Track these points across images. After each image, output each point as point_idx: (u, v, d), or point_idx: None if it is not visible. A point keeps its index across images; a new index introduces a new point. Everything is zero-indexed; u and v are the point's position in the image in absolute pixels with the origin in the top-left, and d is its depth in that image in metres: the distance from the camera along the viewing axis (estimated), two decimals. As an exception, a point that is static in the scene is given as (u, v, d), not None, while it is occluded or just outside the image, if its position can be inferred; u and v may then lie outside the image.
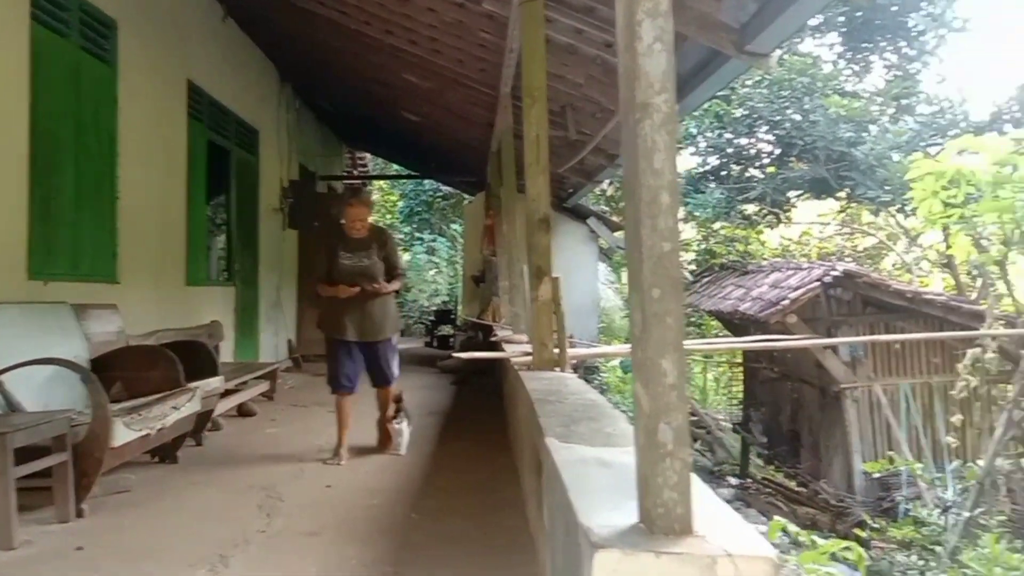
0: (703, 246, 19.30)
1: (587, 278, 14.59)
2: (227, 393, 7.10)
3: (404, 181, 24.26)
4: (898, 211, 15.74)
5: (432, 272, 23.63)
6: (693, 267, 18.75)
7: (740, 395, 16.62)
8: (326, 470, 5.80)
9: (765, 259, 17.98)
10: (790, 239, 21.29)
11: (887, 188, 13.98)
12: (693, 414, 15.91)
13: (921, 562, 8.23)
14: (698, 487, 1.92)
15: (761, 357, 13.96)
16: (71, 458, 4.32)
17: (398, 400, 6.52)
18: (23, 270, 5.49)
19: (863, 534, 9.12)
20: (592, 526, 1.75)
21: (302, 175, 13.48)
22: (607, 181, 13.95)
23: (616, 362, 15.43)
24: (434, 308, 21.29)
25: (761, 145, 16.95)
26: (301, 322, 13.03)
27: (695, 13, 4.82)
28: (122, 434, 4.55)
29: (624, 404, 12.04)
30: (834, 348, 11.33)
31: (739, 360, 16.46)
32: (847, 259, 18.20)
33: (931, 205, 7.99)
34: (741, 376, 16.61)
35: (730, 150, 17.12)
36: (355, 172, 19.86)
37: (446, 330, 17.71)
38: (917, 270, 18.37)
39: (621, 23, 1.76)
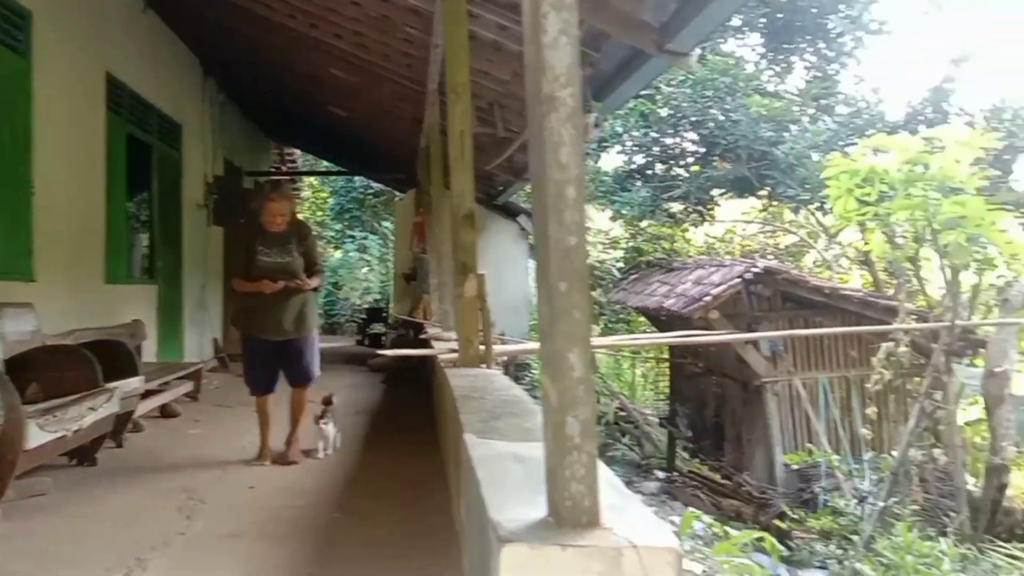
0: (631, 244, 19.51)
1: (518, 275, 14.61)
2: (148, 394, 6.98)
3: (335, 178, 24.05)
4: (817, 209, 16.09)
5: (364, 270, 23.47)
6: (621, 264, 18.93)
7: (667, 390, 16.81)
8: (249, 471, 5.72)
9: (690, 256, 18.24)
10: (715, 237, 21.62)
11: (806, 187, 14.28)
12: (622, 409, 16.06)
13: (840, 551, 8.44)
14: (608, 479, 1.93)
15: (686, 353, 14.15)
16: (-16, 461, 4.18)
17: (327, 402, 6.41)
18: (-68, 268, 5.31)
19: (783, 525, 9.33)
20: (501, 520, 1.75)
21: (228, 171, 13.26)
22: (536, 179, 13.96)
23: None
24: (366, 306, 21.18)
25: (686, 144, 17.18)
26: (227, 321, 12.74)
27: (617, 11, 4.86)
28: (36, 436, 4.46)
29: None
30: (755, 343, 11.52)
31: (666, 356, 16.65)
32: (769, 256, 18.53)
33: (846, 203, 8.21)
34: (668, 372, 16.80)
35: (656, 149, 17.29)
36: (284, 168, 19.63)
37: (378, 328, 17.62)
38: (837, 267, 18.80)
39: (527, 16, 1.76)
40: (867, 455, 9.97)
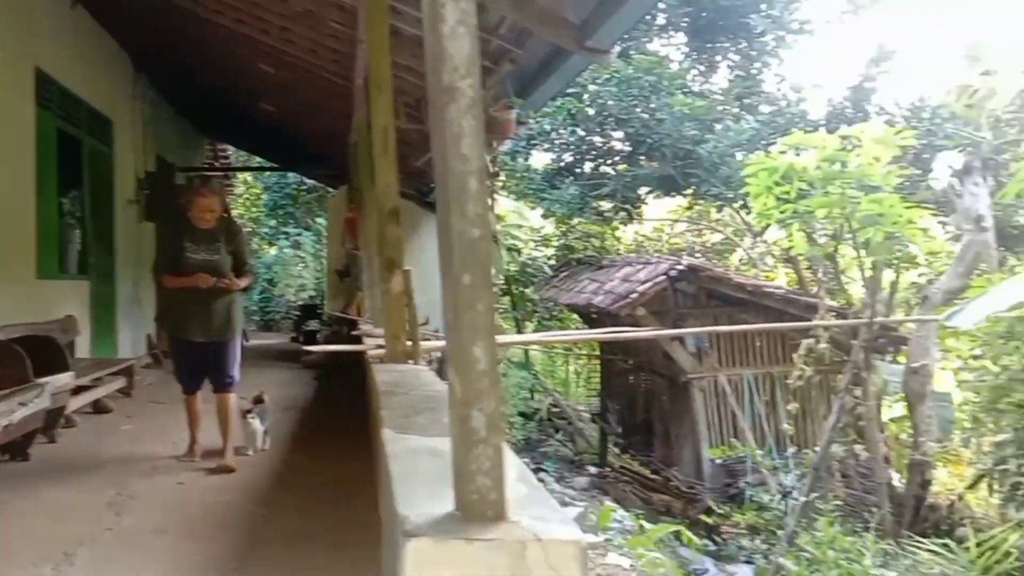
0: (562, 241, 19.60)
1: (451, 272, 14.54)
2: (80, 389, 6.97)
3: (268, 174, 23.77)
4: (741, 208, 16.31)
5: (299, 267, 23.22)
6: (553, 262, 19.02)
7: (599, 387, 16.95)
8: (179, 467, 5.74)
9: (620, 254, 18.38)
10: (644, 235, 21.83)
11: (730, 185, 14.42)
12: (555, 405, 16.17)
13: (765, 546, 8.60)
14: (519, 473, 1.94)
15: (616, 349, 14.28)
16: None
17: (258, 400, 6.37)
18: None
19: (710, 520, 9.46)
20: (409, 515, 1.74)
21: (160, 167, 13.15)
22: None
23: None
24: (300, 303, 20.95)
25: (613, 143, 17.28)
26: (159, 316, 12.59)
27: (539, 8, 4.88)
28: (-35, 430, 4.35)
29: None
30: (681, 340, 11.66)
31: (598, 353, 16.79)
32: (697, 255, 18.76)
33: (765, 200, 8.35)
34: (599, 368, 16.94)
35: (584, 147, 17.39)
36: (217, 164, 19.38)
37: (313, 325, 17.43)
38: (762, 265, 19.08)
39: (425, 5, 1.75)
40: (791, 451, 10.15)
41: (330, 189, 19.20)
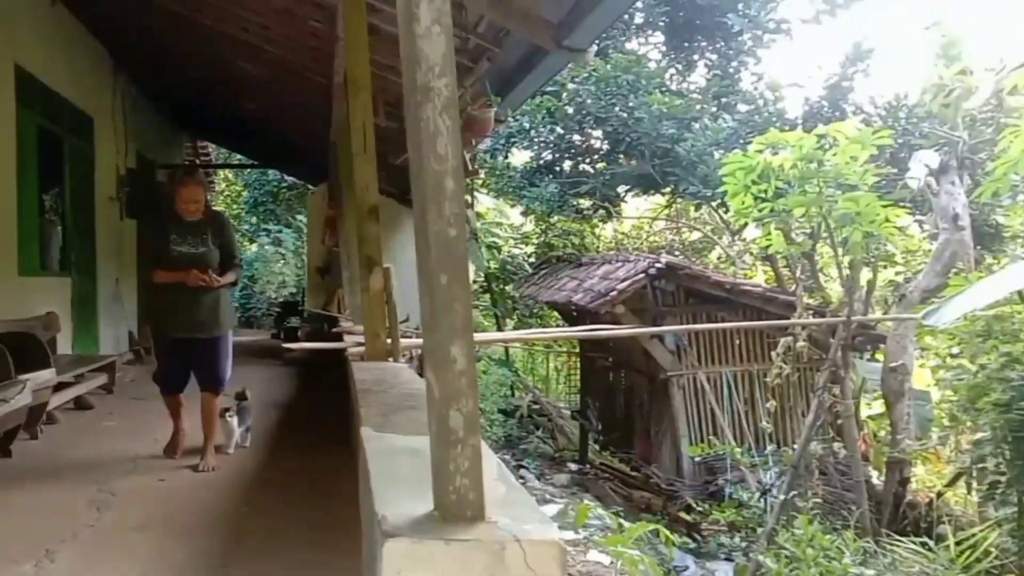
0: (541, 239, 19.63)
1: (432, 271, 14.53)
2: (62, 386, 6.93)
3: (249, 171, 23.73)
4: (719, 206, 16.36)
5: (279, 264, 23.11)
6: (532, 259, 19.04)
7: (579, 384, 16.98)
8: (161, 464, 5.70)
9: (599, 252, 18.41)
10: (623, 233, 21.88)
11: (708, 184, 14.48)
12: (535, 402, 16.19)
13: (745, 544, 8.63)
14: (498, 473, 1.94)
15: (596, 347, 14.32)
16: None
17: (241, 397, 6.30)
18: None
19: (690, 517, 9.49)
20: (387, 515, 1.74)
21: (140, 164, 13.09)
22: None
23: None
24: (281, 300, 20.88)
25: (592, 141, 17.31)
26: (142, 314, 12.57)
27: (517, 8, 4.89)
28: (-54, 427, 4.34)
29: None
30: (660, 337, 11.69)
31: (578, 350, 16.81)
32: (676, 253, 18.83)
33: (743, 199, 8.37)
34: (579, 366, 16.97)
35: (563, 145, 17.41)
36: (197, 161, 19.34)
37: (294, 322, 17.35)
38: (741, 263, 19.17)
39: (400, 5, 1.75)
40: (769, 448, 10.20)
41: (310, 187, 19.16)
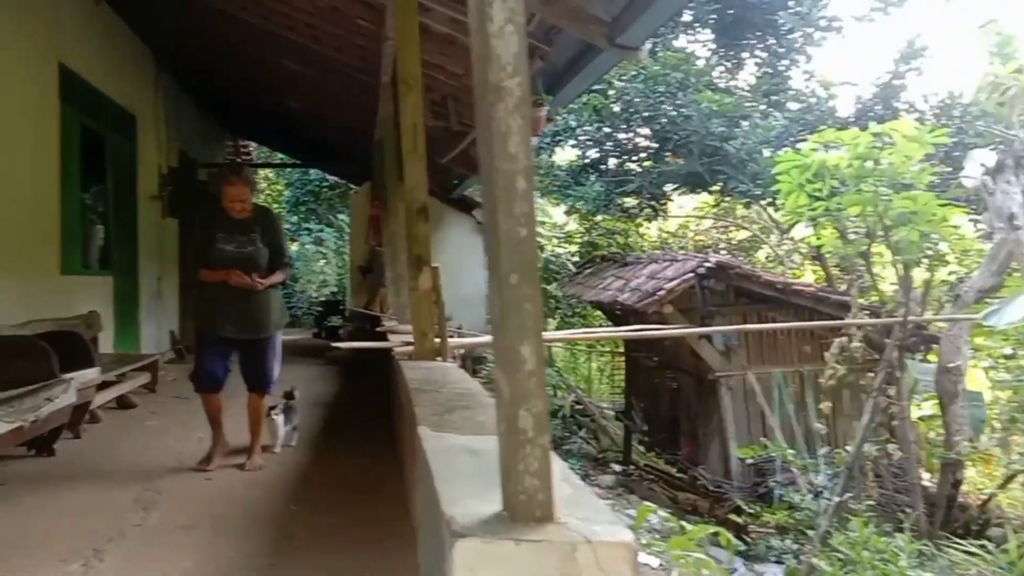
0: (585, 238, 19.58)
1: (474, 269, 14.53)
2: (105, 385, 6.93)
3: (290, 170, 23.90)
4: (769, 205, 16.22)
5: (320, 263, 23.29)
6: (576, 259, 18.99)
7: (623, 384, 16.89)
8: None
9: (644, 251, 18.32)
10: (668, 232, 21.75)
11: (758, 182, 14.37)
12: (578, 403, 16.12)
13: (796, 546, 8.52)
14: (563, 473, 1.93)
15: (641, 347, 14.22)
16: (-61, 451, 4.13)
17: (289, 396, 6.27)
18: None
19: (739, 519, 9.40)
20: (455, 515, 1.74)
21: (182, 162, 13.15)
22: (490, 173, 13.95)
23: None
24: (322, 299, 21.00)
25: (638, 139, 17.24)
26: (184, 313, 12.68)
27: (569, 6, 4.87)
28: (-7, 427, 4.38)
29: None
30: (709, 337, 11.59)
31: (621, 350, 16.73)
32: (723, 252, 18.68)
33: (797, 198, 8.27)
34: (623, 366, 16.89)
35: (609, 144, 17.36)
36: (239, 160, 19.49)
37: (335, 321, 17.48)
38: (789, 262, 18.98)
39: (472, 5, 1.74)
40: (822, 450, 10.07)
41: (352, 186, 19.26)
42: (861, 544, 6.36)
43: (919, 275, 9.13)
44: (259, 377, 5.70)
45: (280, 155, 21.63)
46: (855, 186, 7.95)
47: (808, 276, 18.47)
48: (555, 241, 19.65)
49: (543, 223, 18.75)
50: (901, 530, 7.57)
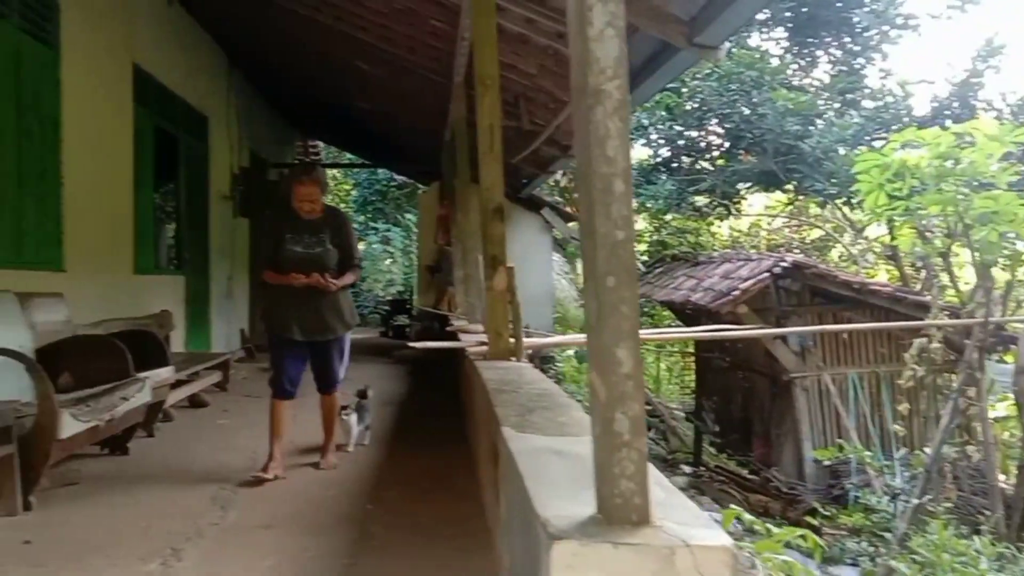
0: (655, 237, 19.46)
1: (542, 268, 14.60)
2: (178, 384, 6.92)
3: (358, 170, 24.12)
4: (844, 204, 15.98)
5: (387, 262, 23.49)
6: (645, 258, 18.88)
7: (693, 384, 16.77)
8: (278, 461, 5.50)
9: (715, 250, 18.16)
10: (739, 231, 21.52)
11: (833, 181, 14.19)
12: (647, 403, 16.03)
13: (871, 548, 8.38)
14: (655, 477, 1.91)
15: (713, 347, 14.08)
16: (17, 450, 4.19)
17: (362, 395, 6.26)
18: (-37, 258, 5.33)
19: (814, 521, 9.25)
20: (550, 517, 1.75)
21: (253, 162, 13.27)
22: (560, 172, 13.98)
23: (571, 351, 15.49)
24: (389, 298, 21.16)
25: (711, 138, 17.13)
26: (254, 311, 12.78)
27: (646, 4, 4.83)
28: (70, 425, 4.44)
29: (580, 393, 12.11)
30: (784, 338, 11.44)
31: (691, 350, 16.60)
32: (795, 251, 18.45)
33: (877, 197, 8.13)
34: (693, 365, 16.76)
35: (681, 142, 17.28)
36: (307, 160, 19.72)
37: (402, 320, 17.59)
38: (863, 262, 18.67)
39: (572, 9, 1.74)
40: (899, 452, 9.87)
41: (420, 185, 19.38)
42: (941, 547, 6.23)
43: (999, 275, 8.91)
44: (325, 378, 5.61)
45: (349, 155, 21.85)
46: (935, 186, 7.80)
47: (882, 276, 18.17)
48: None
49: (635, 222, 18.70)
50: (979, 532, 7.41)
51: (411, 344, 7.56)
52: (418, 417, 7.77)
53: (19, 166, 6.06)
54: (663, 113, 16.67)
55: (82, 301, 6.64)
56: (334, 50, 10.25)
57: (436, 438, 6.54)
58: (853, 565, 8.36)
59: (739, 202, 17.90)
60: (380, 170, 23.05)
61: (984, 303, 8.28)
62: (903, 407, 9.43)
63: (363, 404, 6.25)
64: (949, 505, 8.11)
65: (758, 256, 13.61)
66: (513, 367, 4.91)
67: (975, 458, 9.13)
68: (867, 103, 16.21)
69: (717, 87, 15.60)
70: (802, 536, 3.87)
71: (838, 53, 17.00)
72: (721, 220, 19.27)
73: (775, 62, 16.75)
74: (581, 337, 11.27)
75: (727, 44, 5.15)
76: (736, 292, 11.48)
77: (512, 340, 5.20)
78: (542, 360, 12.74)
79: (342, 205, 25.16)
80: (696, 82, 16.12)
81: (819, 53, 17.33)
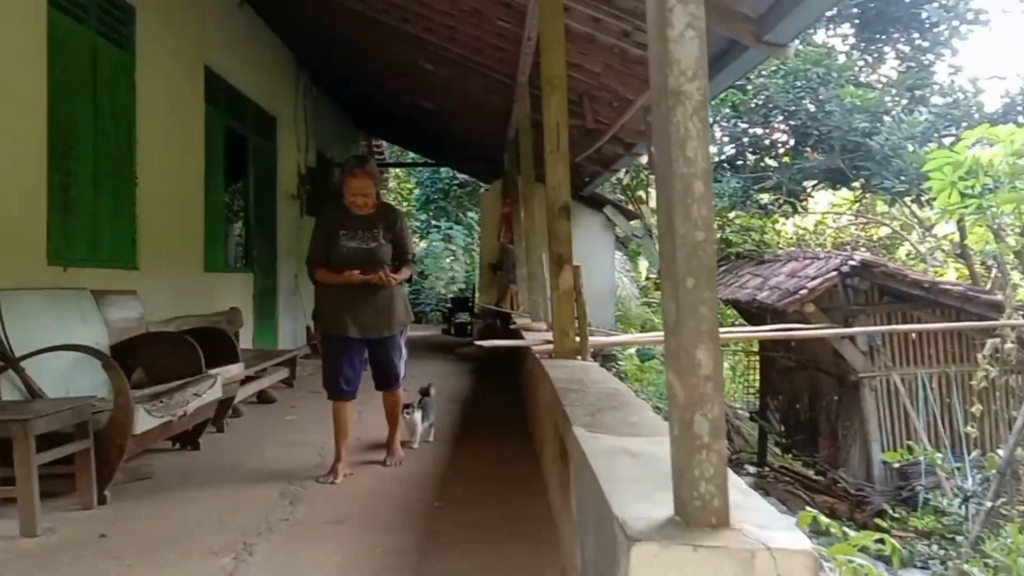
0: (719, 235, 19.28)
1: (604, 266, 14.57)
2: (247, 380, 7.03)
3: (420, 169, 24.29)
4: (913, 201, 15.72)
5: (449, 260, 23.59)
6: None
7: (757, 384, 16.58)
8: (348, 458, 5.50)
9: (780, 248, 17.95)
10: (805, 228, 21.24)
11: (902, 178, 13.98)
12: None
13: (942, 552, 8.22)
14: (732, 479, 1.90)
15: (778, 346, 13.91)
16: (93, 445, 4.27)
17: (424, 392, 6.28)
18: (43, 256, 5.47)
19: (883, 523, 9.09)
20: (627, 518, 1.74)
21: (319, 162, 13.43)
22: (623, 170, 13.93)
23: (632, 350, 15.43)
24: (451, 296, 21.26)
25: (776, 135, 17.00)
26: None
27: (713, 2, 4.79)
28: (144, 421, 4.51)
29: (642, 392, 12.06)
30: (852, 337, 11.26)
31: (755, 349, 16.41)
32: (862, 249, 18.16)
33: (949, 195, 7.97)
34: (758, 365, 16.57)
35: (745, 139, 17.16)
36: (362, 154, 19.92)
37: (463, 318, 17.66)
38: (931, 260, 18.33)
39: (652, 9, 1.74)
40: (972, 453, 9.65)
41: (482, 184, 19.45)
42: (1016, 551, 6.07)
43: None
44: (387, 376, 5.46)
45: (411, 154, 22.01)
46: (1009, 183, 7.62)
47: (951, 274, 17.82)
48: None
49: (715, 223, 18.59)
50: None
51: (478, 342, 7.58)
52: (482, 415, 7.77)
53: (95, 167, 6.20)
54: (728, 110, 16.57)
55: (155, 298, 6.77)
56: (399, 51, 10.33)
57: (500, 435, 6.56)
58: (923, 568, 8.21)
59: (805, 200, 17.70)
60: (442, 169, 23.19)
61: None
62: (975, 408, 9.22)
63: (426, 402, 6.27)
64: (1022, 508, 7.92)
65: (825, 254, 13.41)
66: (579, 366, 4.90)
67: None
68: (936, 99, 16.00)
69: (783, 84, 15.47)
70: (880, 540, 3.80)
71: (906, 49, 16.78)
72: (786, 218, 19.06)
73: (842, 59, 16.53)
74: (647, 336, 11.24)
75: (796, 42, 5.09)
76: (803, 291, 11.34)
77: (578, 339, 5.19)
78: (603, 359, 12.71)
79: (404, 204, 25.33)
80: (761, 79, 15.98)
81: (886, 49, 17.15)
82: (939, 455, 9.52)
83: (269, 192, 11.10)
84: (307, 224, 12.54)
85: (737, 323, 16.70)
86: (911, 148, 14.01)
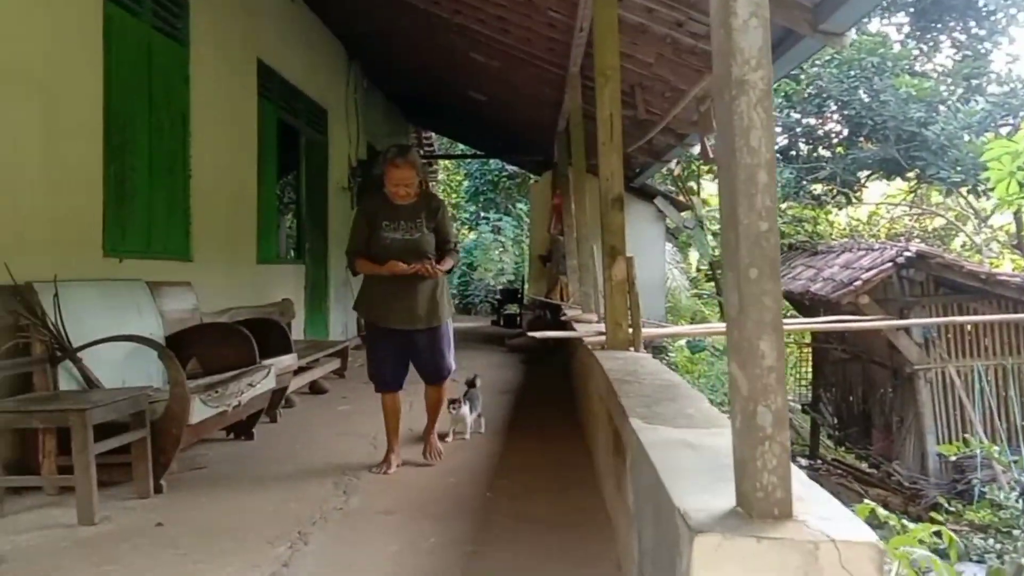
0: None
1: (654, 257, 14.50)
2: (300, 370, 7.06)
3: (469, 161, 24.31)
4: (969, 192, 15.44)
5: (498, 251, 23.61)
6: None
7: (809, 375, 16.41)
8: (401, 449, 5.46)
9: (833, 239, 17.74)
10: (858, 219, 20.96)
11: (958, 168, 13.76)
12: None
13: (998, 545, 8.09)
14: (794, 471, 1.90)
15: (831, 338, 13.76)
16: (149, 435, 4.34)
17: (471, 384, 6.28)
18: (98, 248, 5.54)
19: (939, 517, 8.97)
20: (689, 510, 1.74)
21: (370, 154, 13.42)
22: (674, 160, 13.84)
23: (683, 342, 15.34)
24: (500, 287, 21.26)
25: (830, 125, 16.81)
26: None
27: (769, -10, 4.74)
28: (199, 411, 4.57)
29: (694, 384, 11.99)
30: (907, 329, 11.11)
31: (808, 340, 16.24)
32: (916, 240, 17.90)
33: (1008, 185, 7.82)
34: (810, 357, 16.40)
35: (799, 129, 16.97)
36: (421, 151, 19.92)
37: (512, 309, 17.66)
38: (987, 251, 17.99)
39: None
40: (1030, 446, 9.51)
41: (532, 175, 19.42)
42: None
43: None
44: (434, 369, 5.31)
45: (461, 146, 22.03)
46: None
47: (1006, 265, 17.48)
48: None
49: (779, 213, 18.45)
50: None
51: (530, 333, 7.58)
52: (532, 406, 7.74)
53: (150, 160, 6.26)
54: (781, 100, 16.38)
55: (208, 289, 6.81)
56: (450, 43, 10.35)
57: (550, 426, 6.56)
58: (979, 562, 8.09)
59: (859, 190, 17.47)
60: (492, 160, 23.17)
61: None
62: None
63: (473, 393, 6.26)
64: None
65: (880, 245, 13.22)
66: (632, 357, 4.88)
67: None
68: (993, 88, 15.76)
69: (837, 74, 15.30)
70: (937, 533, 3.74)
71: (962, 38, 16.54)
72: (840, 208, 18.82)
73: (897, 48, 16.28)
74: (700, 328, 11.18)
75: (852, 31, 5.02)
76: (858, 282, 11.22)
77: (631, 330, 5.17)
78: (654, 350, 12.65)
79: (453, 195, 25.35)
80: (815, 69, 15.81)
81: (942, 38, 16.91)
82: (996, 448, 9.38)
83: (321, 184, 11.15)
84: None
85: (789, 314, 16.56)
86: (967, 138, 13.81)
